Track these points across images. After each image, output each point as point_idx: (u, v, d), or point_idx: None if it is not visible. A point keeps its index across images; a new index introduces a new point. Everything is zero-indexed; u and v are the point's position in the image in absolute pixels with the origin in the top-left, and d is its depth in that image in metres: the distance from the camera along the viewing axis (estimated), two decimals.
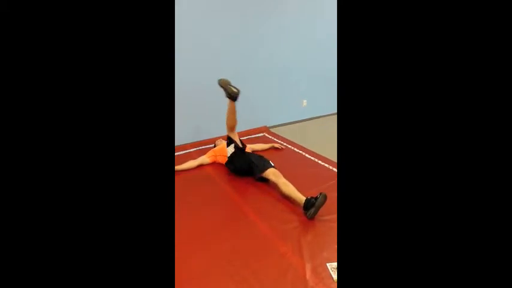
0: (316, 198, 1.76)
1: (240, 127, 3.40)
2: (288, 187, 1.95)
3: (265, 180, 2.15)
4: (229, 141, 2.36)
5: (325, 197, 1.75)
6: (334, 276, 1.35)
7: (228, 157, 2.35)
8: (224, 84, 2.24)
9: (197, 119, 3.09)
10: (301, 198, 1.83)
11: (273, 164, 2.22)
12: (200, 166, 2.49)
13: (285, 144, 3.04)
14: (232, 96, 2.20)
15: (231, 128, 2.33)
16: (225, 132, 3.23)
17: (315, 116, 4.14)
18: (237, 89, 2.21)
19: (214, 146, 2.73)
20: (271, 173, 2.11)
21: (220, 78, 2.26)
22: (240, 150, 2.30)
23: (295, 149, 2.92)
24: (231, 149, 2.34)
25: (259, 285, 1.31)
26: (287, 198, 1.95)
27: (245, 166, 2.25)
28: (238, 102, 3.29)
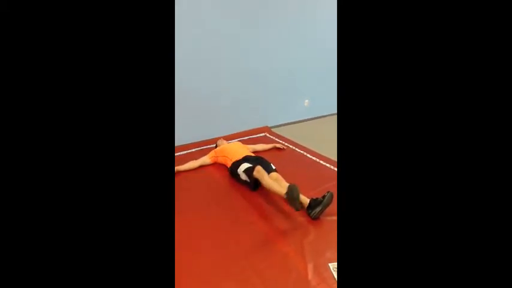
0: (323, 197, 1.75)
1: (242, 127, 3.43)
2: None
3: None
4: (249, 174, 2.06)
5: (331, 196, 1.74)
6: (336, 276, 1.35)
7: (237, 169, 2.18)
8: (292, 197, 1.71)
9: (198, 119, 3.09)
10: (305, 200, 1.83)
11: (274, 168, 2.20)
12: (201, 166, 2.49)
13: (286, 144, 3.03)
14: (290, 205, 1.74)
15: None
16: (225, 133, 3.26)
17: (317, 115, 4.13)
18: (300, 208, 1.73)
19: (216, 147, 2.73)
20: (274, 177, 2.10)
21: (293, 186, 1.73)
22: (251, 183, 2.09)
23: (297, 149, 2.91)
24: (243, 175, 2.13)
25: (262, 285, 1.31)
26: None
27: (246, 177, 2.14)
28: (240, 102, 3.31)
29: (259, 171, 1.97)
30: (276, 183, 1.93)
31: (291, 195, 1.69)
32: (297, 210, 1.72)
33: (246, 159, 2.25)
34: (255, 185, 2.05)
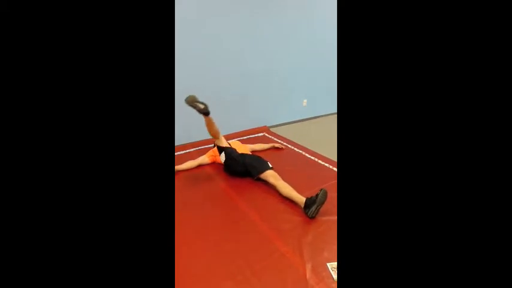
0: (316, 195, 1.76)
1: (240, 127, 3.43)
2: (287, 189, 1.96)
3: (264, 181, 2.15)
4: (219, 149, 2.35)
5: (325, 193, 1.75)
6: (334, 275, 1.35)
7: (224, 164, 2.34)
8: (191, 102, 2.13)
9: (197, 119, 3.08)
10: (301, 199, 1.84)
11: (271, 166, 2.21)
12: (200, 166, 2.49)
13: (285, 143, 3.04)
14: (203, 111, 2.13)
15: (215, 136, 2.31)
16: (224, 133, 3.25)
17: (315, 115, 4.14)
18: (203, 104, 2.12)
19: (214, 146, 2.73)
20: (270, 175, 2.10)
21: (187, 96, 2.15)
22: (231, 152, 2.28)
23: (296, 149, 2.92)
24: (223, 157, 2.32)
25: (260, 285, 1.31)
26: (287, 199, 1.95)
27: (242, 169, 2.24)
28: (239, 102, 3.31)
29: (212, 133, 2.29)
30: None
31: (187, 103, 2.09)
32: (202, 110, 2.09)
33: (242, 155, 2.27)
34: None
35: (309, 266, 1.41)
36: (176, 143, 2.94)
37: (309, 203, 1.76)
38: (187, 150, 2.90)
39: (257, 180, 2.19)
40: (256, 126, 3.54)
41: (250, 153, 2.48)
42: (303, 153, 2.82)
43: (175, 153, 2.81)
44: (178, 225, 1.72)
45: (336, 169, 2.47)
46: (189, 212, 1.85)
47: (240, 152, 2.34)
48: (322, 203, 1.75)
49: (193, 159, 2.52)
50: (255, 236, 1.64)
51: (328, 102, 4.18)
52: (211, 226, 1.73)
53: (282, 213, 1.84)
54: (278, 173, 2.15)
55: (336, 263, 1.42)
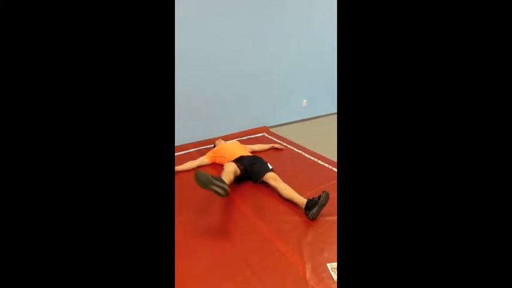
0: (319, 197, 1.76)
1: (240, 127, 3.43)
2: (288, 190, 1.95)
3: (265, 183, 2.15)
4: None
5: (327, 196, 1.75)
6: (334, 276, 1.35)
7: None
8: (205, 186, 1.64)
9: (197, 119, 3.09)
10: (302, 200, 1.84)
11: (271, 168, 2.21)
12: (199, 167, 2.49)
13: (285, 144, 3.04)
14: (225, 196, 1.67)
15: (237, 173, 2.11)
16: (223, 133, 3.27)
17: (315, 115, 4.14)
18: (224, 189, 1.63)
19: (214, 147, 2.73)
20: (270, 177, 2.10)
21: (197, 173, 1.65)
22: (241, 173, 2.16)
23: (295, 149, 2.92)
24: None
25: (260, 285, 1.31)
26: (288, 201, 1.95)
27: (243, 173, 2.20)
28: (239, 102, 3.32)
29: (224, 174, 1.94)
30: (226, 172, 1.94)
31: (200, 186, 1.64)
32: (223, 195, 1.63)
33: (241, 159, 2.26)
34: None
35: (309, 266, 1.41)
36: (176, 143, 2.94)
37: (310, 204, 1.76)
38: (188, 151, 2.90)
39: (260, 184, 2.19)
40: (256, 127, 3.54)
41: (250, 153, 2.47)
42: (303, 153, 2.82)
43: (176, 154, 2.81)
44: (178, 225, 1.72)
45: (336, 169, 2.47)
46: (189, 213, 1.85)
47: (238, 154, 2.33)
48: (324, 205, 1.75)
49: (194, 159, 2.52)
50: (255, 237, 1.64)
51: (328, 102, 4.18)
52: (211, 227, 1.73)
53: (281, 214, 1.84)
54: (278, 174, 2.15)
55: (336, 264, 1.42)
